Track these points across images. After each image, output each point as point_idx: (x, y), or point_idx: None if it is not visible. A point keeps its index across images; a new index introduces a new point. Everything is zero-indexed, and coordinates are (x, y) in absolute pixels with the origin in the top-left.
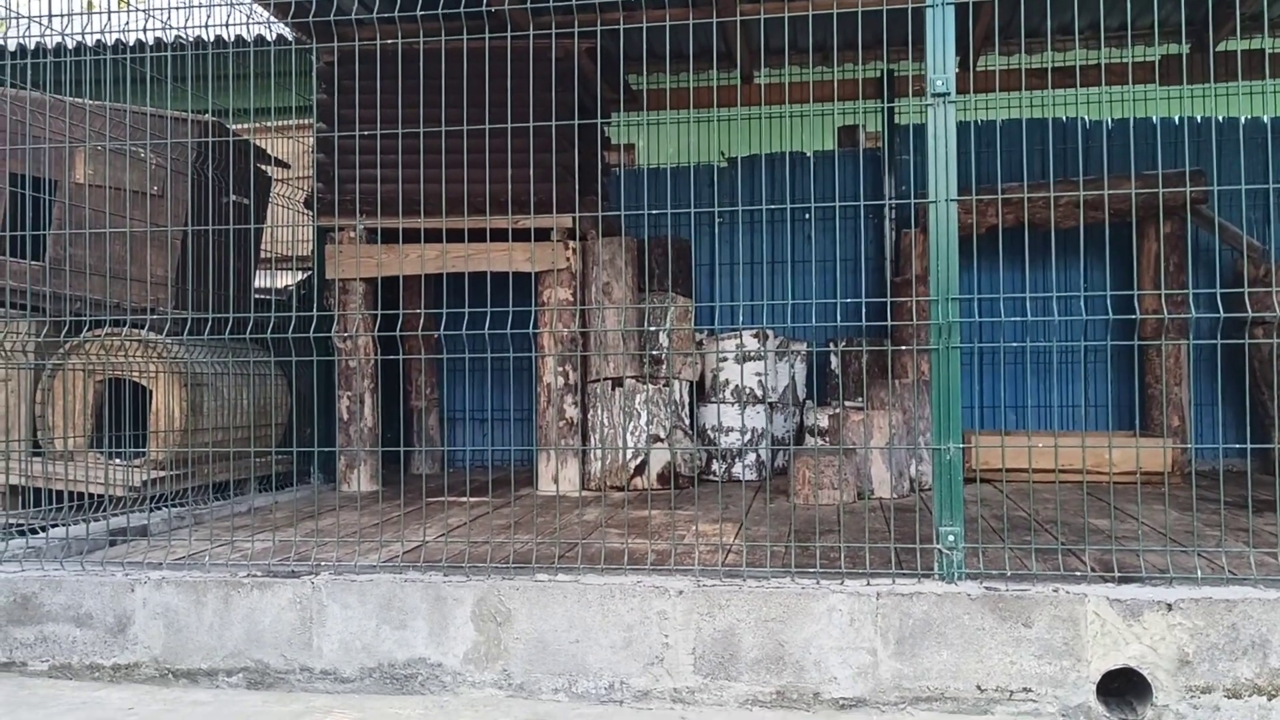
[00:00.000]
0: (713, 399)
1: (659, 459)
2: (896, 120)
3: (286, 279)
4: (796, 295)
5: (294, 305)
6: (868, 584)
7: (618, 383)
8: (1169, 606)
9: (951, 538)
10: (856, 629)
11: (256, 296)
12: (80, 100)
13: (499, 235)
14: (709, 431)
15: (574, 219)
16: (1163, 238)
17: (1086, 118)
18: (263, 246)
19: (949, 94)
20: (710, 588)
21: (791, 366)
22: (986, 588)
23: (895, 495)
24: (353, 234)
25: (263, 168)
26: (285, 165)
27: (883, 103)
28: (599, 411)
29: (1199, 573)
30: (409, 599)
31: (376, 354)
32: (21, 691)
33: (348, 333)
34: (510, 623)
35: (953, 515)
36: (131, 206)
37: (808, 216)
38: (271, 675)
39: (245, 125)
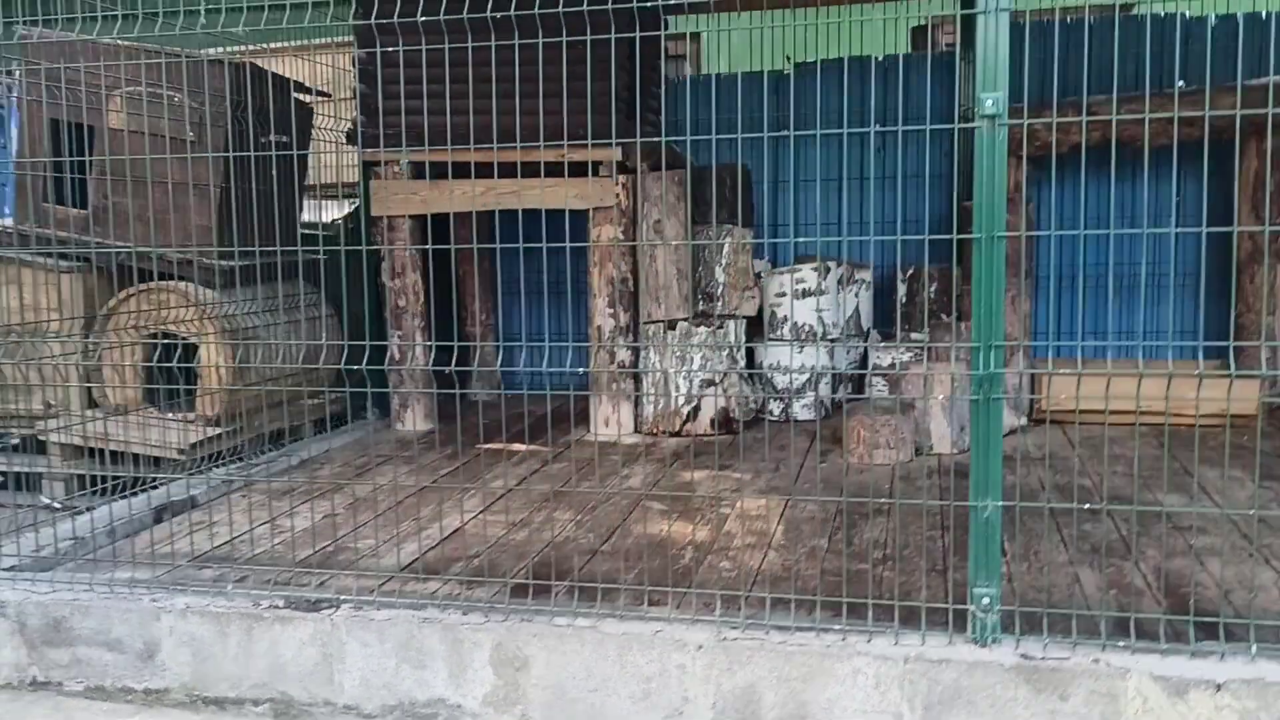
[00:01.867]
0: (770, 335)
1: (712, 403)
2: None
3: (335, 211)
4: (861, 215)
5: (342, 240)
6: (895, 644)
7: (670, 325)
8: (1218, 686)
9: (986, 600)
10: (882, 693)
11: (304, 232)
12: (111, 40)
13: (554, 170)
14: (766, 370)
15: (623, 150)
16: (1266, 155)
17: (1187, 12)
18: (307, 180)
19: (1000, 116)
20: (731, 642)
21: (856, 295)
22: (1021, 656)
23: (955, 450)
24: (397, 168)
25: (301, 98)
26: (325, 95)
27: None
28: (651, 354)
29: (1253, 646)
30: (427, 640)
31: (429, 288)
32: (57, 715)
33: (397, 270)
34: (528, 668)
35: (989, 576)
36: (168, 153)
37: (881, 128)
38: (296, 707)
39: (280, 45)
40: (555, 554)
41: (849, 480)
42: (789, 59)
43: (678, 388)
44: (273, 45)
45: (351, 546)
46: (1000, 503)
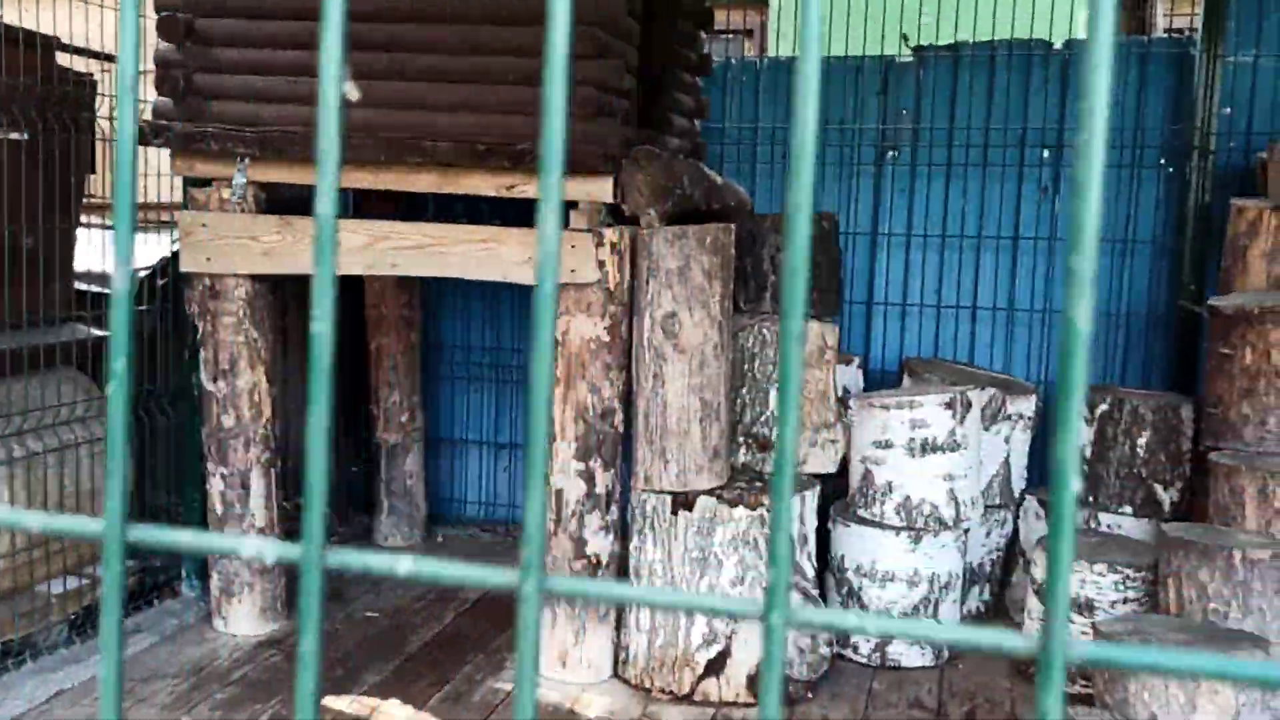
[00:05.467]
0: (861, 512)
1: (753, 649)
2: None
3: (156, 249)
4: (1013, 298)
5: (144, 308)
6: None
7: (684, 502)
8: None
9: None
10: None
11: (85, 289)
12: None
13: (495, 210)
14: (849, 575)
15: (619, 184)
16: None
17: None
18: (85, 201)
19: None
20: None
21: (1007, 439)
22: None
23: None
24: (225, 192)
25: (64, 64)
26: (111, 59)
27: None
28: (648, 547)
29: None
30: None
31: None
32: None
33: (222, 365)
34: None
35: None
36: None
37: (1045, 156)
38: None
39: None
40: None
41: None
42: (905, 39)
43: (691, 615)
44: None
45: None
46: None
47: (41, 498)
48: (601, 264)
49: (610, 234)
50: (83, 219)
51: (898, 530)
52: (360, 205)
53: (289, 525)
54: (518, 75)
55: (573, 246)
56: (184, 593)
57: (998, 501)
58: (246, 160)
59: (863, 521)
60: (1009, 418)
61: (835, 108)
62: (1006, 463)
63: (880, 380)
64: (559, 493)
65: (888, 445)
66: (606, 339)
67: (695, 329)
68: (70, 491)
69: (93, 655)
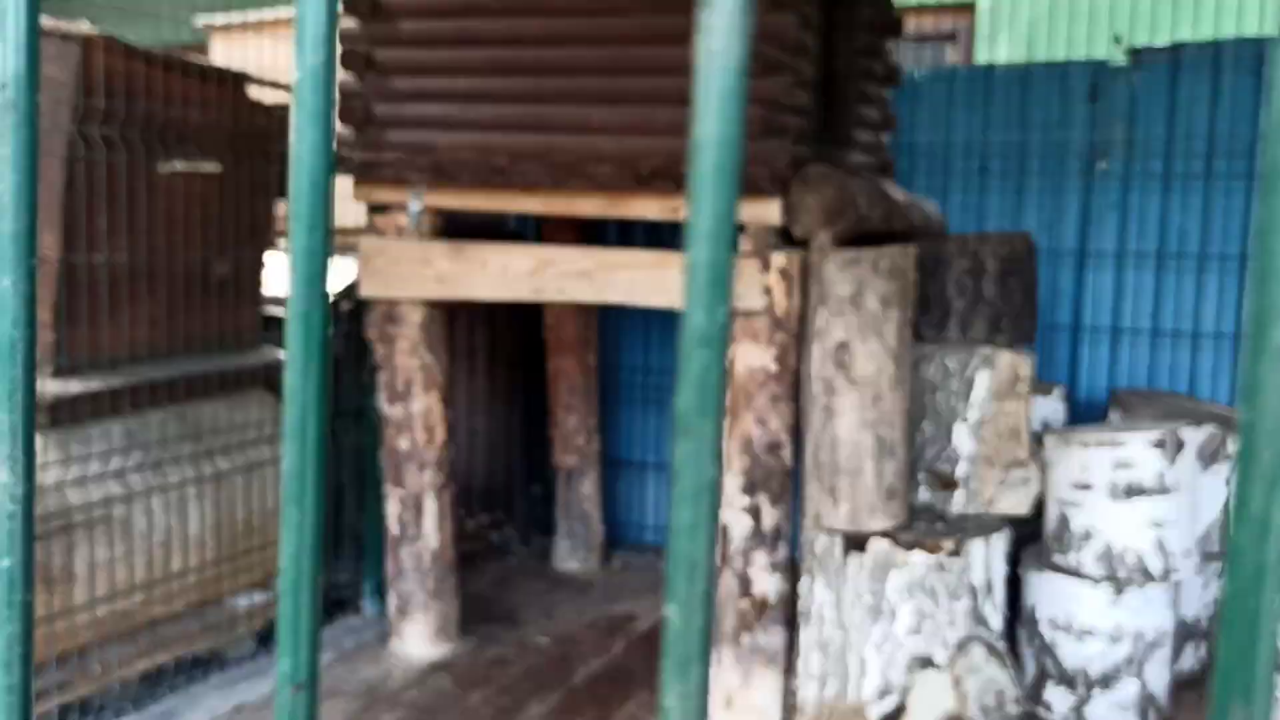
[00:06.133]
0: (1056, 559)
1: (932, 704)
2: None
3: (337, 273)
4: (1239, 323)
5: (333, 331)
6: None
7: (857, 543)
8: None
9: None
10: None
11: (273, 311)
12: None
13: (654, 235)
14: (1042, 627)
15: (788, 206)
16: None
17: None
18: (274, 229)
19: None
20: None
21: (1229, 481)
22: None
23: None
24: (403, 220)
25: (256, 99)
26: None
27: None
28: (817, 589)
29: None
30: None
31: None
32: None
33: (398, 389)
34: None
35: None
36: None
37: None
38: None
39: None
40: None
41: None
42: (1118, 41)
43: (864, 664)
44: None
45: None
46: None
47: (230, 515)
48: (768, 290)
49: (778, 258)
50: (273, 245)
51: (1097, 580)
52: (541, 231)
53: (468, 545)
54: (679, 96)
55: (739, 272)
56: (366, 610)
57: (1217, 550)
58: (422, 187)
59: (1058, 570)
60: (1231, 457)
61: (1039, 116)
62: (1228, 508)
63: (1086, 413)
64: (724, 528)
65: (1087, 487)
66: (774, 369)
67: (869, 360)
68: (257, 510)
69: (244, 688)
